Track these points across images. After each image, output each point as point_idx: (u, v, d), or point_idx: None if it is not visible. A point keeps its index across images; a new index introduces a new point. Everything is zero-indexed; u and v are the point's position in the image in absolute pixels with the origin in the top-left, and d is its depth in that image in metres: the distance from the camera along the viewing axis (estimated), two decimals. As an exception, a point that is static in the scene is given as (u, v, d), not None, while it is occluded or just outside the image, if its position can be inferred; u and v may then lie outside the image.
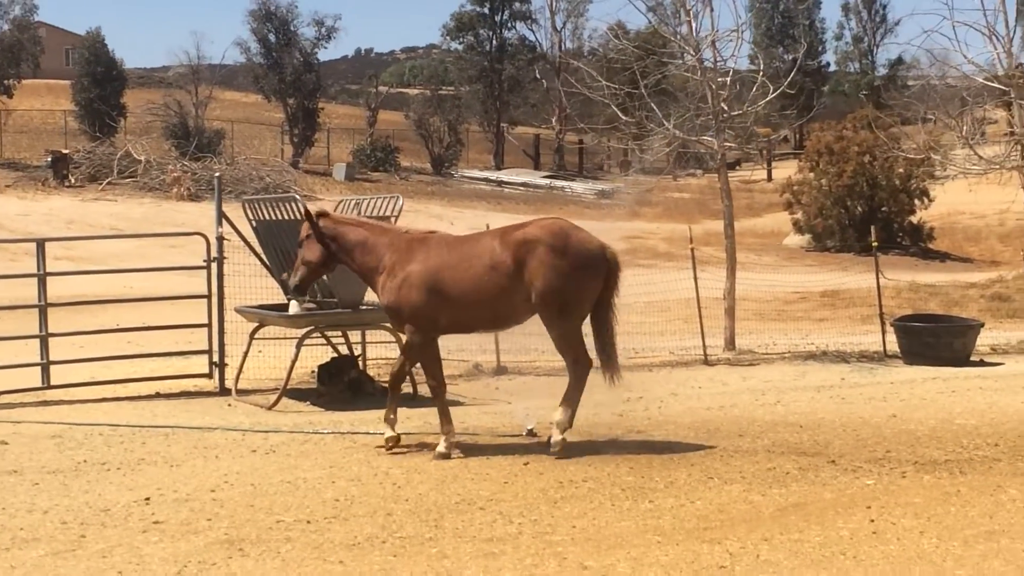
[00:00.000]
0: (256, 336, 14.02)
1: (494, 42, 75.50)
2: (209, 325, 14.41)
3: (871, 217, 36.43)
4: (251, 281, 14.88)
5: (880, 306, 18.57)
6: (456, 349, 16.27)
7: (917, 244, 39.38)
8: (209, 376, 14.43)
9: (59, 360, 14.01)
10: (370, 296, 12.77)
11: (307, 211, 10.96)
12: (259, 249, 14.60)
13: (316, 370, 14.18)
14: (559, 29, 78.33)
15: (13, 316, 15.46)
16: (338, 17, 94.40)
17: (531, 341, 13.88)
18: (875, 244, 20.09)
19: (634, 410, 12.62)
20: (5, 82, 58.61)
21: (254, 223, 14.48)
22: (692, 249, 18.50)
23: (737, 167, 67.01)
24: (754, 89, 19.15)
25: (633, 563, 7.14)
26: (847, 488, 9.05)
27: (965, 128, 20.06)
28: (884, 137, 28.98)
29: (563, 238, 10.24)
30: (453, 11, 76.40)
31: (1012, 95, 19.42)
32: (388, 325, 12.83)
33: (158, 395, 13.86)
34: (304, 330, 13.45)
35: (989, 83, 19.64)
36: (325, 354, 14.57)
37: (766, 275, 25.48)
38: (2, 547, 7.56)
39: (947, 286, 27.62)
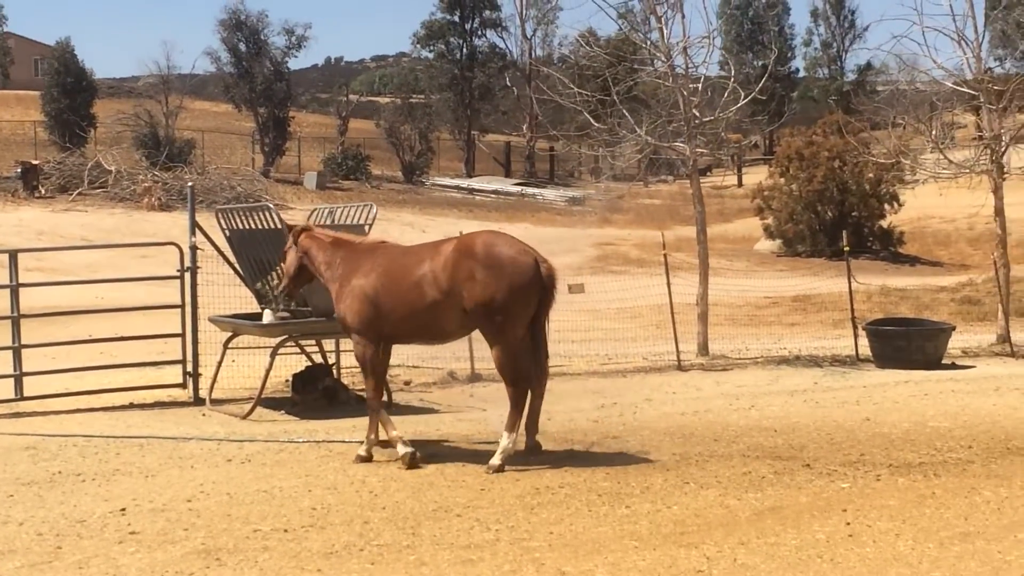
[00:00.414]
0: (230, 346, 13.99)
1: (464, 50, 75.51)
2: (183, 335, 14.36)
3: (841, 222, 36.70)
4: (224, 290, 14.89)
5: (852, 310, 18.68)
6: (430, 357, 16.31)
7: (887, 248, 39.61)
8: (183, 386, 14.37)
9: (32, 371, 13.96)
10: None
11: (292, 228, 11.46)
12: (232, 258, 14.57)
13: (291, 379, 14.16)
14: (529, 37, 78.58)
15: (-15, 328, 15.34)
16: (308, 26, 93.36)
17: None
18: (847, 248, 20.24)
19: (609, 416, 12.65)
20: (-26, 93, 58.31)
21: (227, 232, 14.45)
22: (664, 255, 18.55)
23: (708, 173, 67.43)
24: (725, 95, 19.22)
25: (611, 568, 7.16)
26: (823, 491, 9.10)
27: (934, 132, 20.18)
28: (854, 142, 29.13)
29: (494, 252, 9.98)
30: (423, 19, 76.43)
31: (981, 99, 19.60)
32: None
33: (132, 405, 13.80)
34: (278, 339, 13.43)
35: (958, 88, 19.79)
36: (299, 363, 14.54)
37: (738, 280, 25.63)
38: (-23, 560, 7.52)
39: (918, 290, 27.84)
